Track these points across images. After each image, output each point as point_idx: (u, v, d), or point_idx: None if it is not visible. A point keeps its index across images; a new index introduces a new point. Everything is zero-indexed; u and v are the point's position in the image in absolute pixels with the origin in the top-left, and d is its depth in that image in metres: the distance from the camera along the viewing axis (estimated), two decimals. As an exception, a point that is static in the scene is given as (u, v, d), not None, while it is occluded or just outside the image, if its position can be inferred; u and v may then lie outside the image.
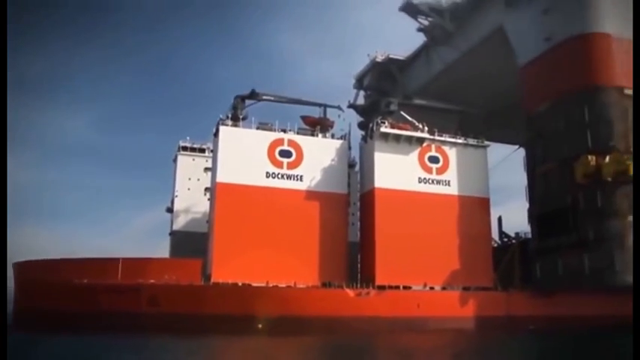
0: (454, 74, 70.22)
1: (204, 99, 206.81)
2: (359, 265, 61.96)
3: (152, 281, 50.40)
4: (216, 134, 59.30)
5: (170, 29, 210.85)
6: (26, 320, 46.50)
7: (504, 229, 70.76)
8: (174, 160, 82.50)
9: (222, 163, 57.61)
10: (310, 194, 59.34)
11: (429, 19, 69.52)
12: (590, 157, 53.35)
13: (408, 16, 69.76)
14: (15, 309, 49.94)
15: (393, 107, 65.74)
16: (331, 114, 65.68)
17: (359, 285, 55.54)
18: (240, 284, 52.50)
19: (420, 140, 62.00)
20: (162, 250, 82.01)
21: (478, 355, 42.22)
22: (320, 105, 65.31)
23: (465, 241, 60.49)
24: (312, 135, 61.83)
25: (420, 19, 70.27)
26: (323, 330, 50.07)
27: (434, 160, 62.96)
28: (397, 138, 61.14)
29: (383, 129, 60.57)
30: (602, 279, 51.92)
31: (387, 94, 74.09)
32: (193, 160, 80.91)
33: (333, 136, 63.23)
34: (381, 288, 55.70)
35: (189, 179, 79.93)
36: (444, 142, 63.46)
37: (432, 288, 57.84)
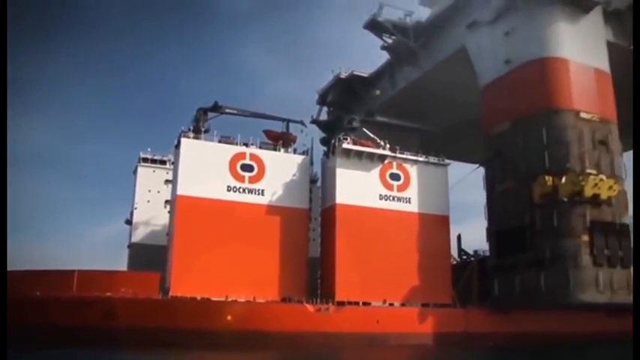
0: (417, 92, 71.27)
1: (166, 110, 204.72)
2: (319, 281, 61.78)
3: (108, 294, 49.41)
4: (177, 146, 58.66)
5: (135, 40, 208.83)
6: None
7: (463, 246, 71.54)
8: (135, 172, 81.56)
9: (183, 176, 57.02)
10: (271, 209, 59.11)
11: (394, 37, 70.39)
12: (547, 177, 54.73)
13: (372, 34, 70.63)
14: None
15: (355, 124, 66.14)
16: (294, 129, 65.72)
17: (319, 300, 55.40)
18: (199, 298, 51.78)
19: (382, 157, 62.36)
20: (120, 262, 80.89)
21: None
22: (283, 120, 65.29)
23: (425, 258, 60.87)
24: (275, 150, 61.71)
25: (384, 37, 71.18)
26: (282, 345, 49.88)
27: (395, 177, 63.32)
28: (359, 155, 61.42)
29: (345, 145, 60.79)
30: (557, 297, 53.06)
31: (350, 111, 74.67)
32: (154, 171, 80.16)
33: (295, 151, 63.23)
34: (341, 304, 55.65)
35: (149, 191, 79.10)
36: (405, 160, 63.92)
37: (391, 304, 58.02)
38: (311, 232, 62.96)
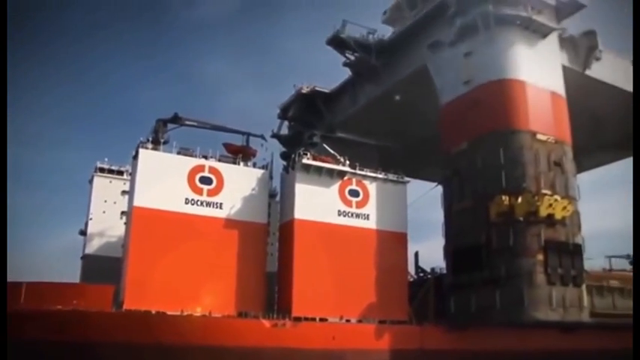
0: (378, 109, 71.90)
1: (124, 120, 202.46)
2: (276, 296, 61.42)
3: (59, 307, 47.99)
4: (135, 157, 57.72)
5: (94, 49, 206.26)
6: None
7: (421, 264, 72.17)
8: (90, 182, 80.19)
9: (140, 187, 56.11)
10: (229, 223, 58.57)
11: (356, 54, 71.02)
12: (503, 197, 55.59)
13: (335, 50, 71.16)
14: None
15: (316, 139, 66.39)
16: (254, 143, 65.44)
17: (275, 316, 55.02)
18: (153, 312, 50.77)
19: (341, 174, 62.48)
20: (72, 274, 79.11)
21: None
22: (243, 133, 64.95)
23: (382, 275, 61.02)
24: (234, 163, 61.28)
25: (346, 54, 71.74)
26: (238, 360, 49.26)
27: (354, 193, 63.48)
28: (319, 170, 61.43)
29: (305, 160, 60.76)
30: (511, 315, 53.77)
31: (311, 126, 74.89)
32: (110, 182, 79.00)
33: (255, 165, 62.88)
34: (298, 319, 55.33)
35: (105, 202, 77.81)
36: (364, 177, 64.15)
37: (348, 320, 57.91)
38: (269, 247, 62.65)
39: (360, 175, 63.78)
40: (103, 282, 55.08)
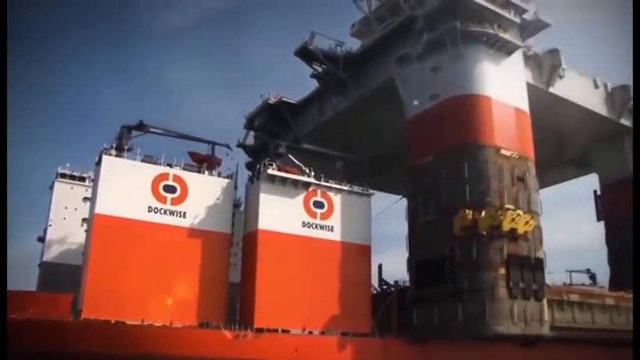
0: (344, 122, 72.24)
1: (88, 126, 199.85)
2: (238, 307, 60.78)
3: (14, 316, 46.39)
4: (98, 163, 56.76)
5: (59, 53, 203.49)
6: None
7: (384, 276, 72.14)
8: (51, 187, 78.69)
9: (103, 194, 55.08)
10: (192, 232, 57.86)
11: (324, 66, 71.17)
12: (467, 211, 56.13)
13: (303, 61, 71.24)
14: None
15: (281, 150, 66.08)
16: (220, 152, 64.93)
17: (237, 327, 54.43)
18: (112, 322, 49.78)
19: (306, 185, 62.30)
20: (29, 282, 77.33)
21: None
22: (209, 142, 64.38)
23: (346, 287, 60.76)
24: (199, 172, 60.68)
25: (314, 65, 71.88)
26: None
27: (319, 205, 63.27)
28: (283, 181, 61.16)
29: (270, 171, 60.41)
30: (473, 328, 54.05)
31: (277, 137, 74.73)
32: (72, 188, 77.60)
33: (219, 175, 62.33)
34: (260, 330, 54.81)
35: (66, 208, 76.36)
36: (329, 188, 64.00)
37: (310, 332, 57.55)
38: (232, 257, 61.96)
39: (324, 186, 63.60)
40: (62, 290, 54.01)
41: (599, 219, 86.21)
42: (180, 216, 57.72)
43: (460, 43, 61.30)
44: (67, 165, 79.39)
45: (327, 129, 74.82)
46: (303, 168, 63.04)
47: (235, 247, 63.27)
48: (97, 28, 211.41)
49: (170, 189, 57.96)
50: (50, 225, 75.68)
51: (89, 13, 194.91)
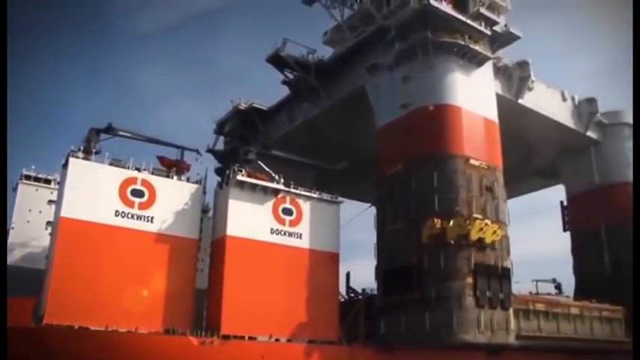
0: (314, 129, 72.26)
1: (55, 127, 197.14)
2: (205, 313, 60.18)
3: None
4: (64, 166, 55.88)
5: (27, 54, 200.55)
6: None
7: (352, 284, 72.07)
8: (15, 189, 77.22)
9: (69, 197, 54.21)
10: (160, 237, 57.17)
11: (295, 73, 71.16)
12: (436, 220, 56.40)
13: (274, 67, 71.14)
14: None
15: (251, 156, 65.74)
16: (189, 157, 64.42)
17: (204, 333, 53.89)
18: (76, 327, 48.92)
19: (275, 191, 62.02)
20: (-11, 286, 75.55)
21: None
22: (178, 147, 63.85)
23: (313, 295, 60.51)
24: (168, 177, 60.11)
25: (286, 72, 71.81)
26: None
27: (287, 212, 63.03)
28: (253, 187, 60.82)
29: (239, 177, 60.04)
30: (440, 336, 54.25)
31: (248, 143, 74.42)
32: (36, 190, 76.13)
33: (188, 180, 61.79)
34: (226, 337, 54.30)
35: (30, 211, 74.87)
36: (298, 195, 63.78)
37: (277, 339, 57.18)
38: (200, 263, 61.41)
39: (294, 193, 63.40)
40: (23, 295, 52.85)
41: (565, 229, 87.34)
42: (148, 221, 57.05)
43: (431, 54, 61.82)
44: (32, 167, 78.08)
45: (298, 136, 74.85)
46: (273, 175, 62.79)
47: (203, 252, 62.74)
48: (67, 30, 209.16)
49: (138, 193, 57.29)
50: (12, 227, 74.13)
51: (60, 14, 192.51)
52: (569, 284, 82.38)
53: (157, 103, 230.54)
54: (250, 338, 55.80)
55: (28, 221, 74.32)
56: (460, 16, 63.13)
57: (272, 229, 61.41)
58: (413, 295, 56.36)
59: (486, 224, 56.88)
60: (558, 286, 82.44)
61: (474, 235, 55.91)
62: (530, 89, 71.65)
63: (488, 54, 65.45)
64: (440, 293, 54.86)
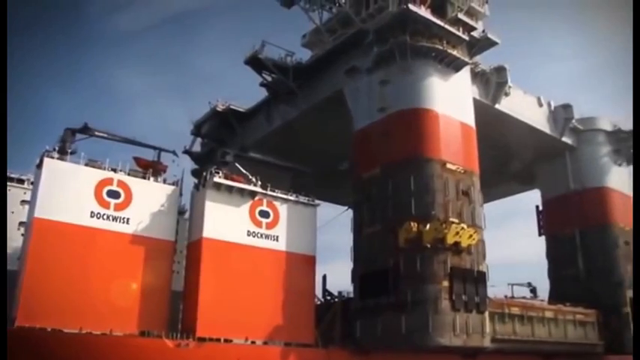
0: (292, 132, 72.26)
1: (30, 127, 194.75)
2: (181, 315, 59.79)
3: None
4: (39, 166, 55.15)
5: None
6: None
7: (328, 287, 72.03)
8: (-14, 189, 76.06)
9: (43, 198, 53.51)
10: (135, 238, 56.69)
11: (273, 75, 71.05)
12: (412, 223, 56.57)
13: (253, 70, 70.99)
14: None
15: (228, 158, 65.62)
16: (166, 158, 63.99)
17: (179, 336, 53.53)
18: (49, 330, 48.33)
19: (252, 194, 61.78)
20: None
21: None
22: (155, 148, 63.37)
23: (289, 297, 60.42)
24: (144, 178, 59.65)
25: (264, 74, 71.67)
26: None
27: (264, 214, 62.84)
28: (230, 189, 60.56)
29: (216, 179, 59.72)
30: (416, 339, 54.44)
31: (225, 144, 74.24)
32: (9, 190, 75.25)
33: (165, 181, 61.40)
34: (202, 340, 53.97)
35: (2, 210, 73.94)
36: (275, 198, 63.61)
37: (253, 342, 56.92)
38: (176, 265, 61.00)
39: (271, 196, 63.24)
40: (-5, 296, 52.17)
41: (540, 234, 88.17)
42: (124, 222, 56.56)
43: (409, 58, 62.08)
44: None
45: (276, 138, 74.85)
46: (250, 177, 62.59)
47: (179, 254, 62.31)
48: (43, 28, 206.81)
49: (114, 194, 56.78)
50: (-18, 227, 72.91)
51: (35, 13, 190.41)
52: (544, 288, 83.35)
53: (134, 103, 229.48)
54: (226, 341, 55.49)
55: (0, 221, 73.22)
56: (438, 21, 63.47)
57: (249, 231, 61.20)
58: (389, 298, 56.48)
59: (462, 228, 57.17)
60: (533, 290, 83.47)
61: (450, 239, 56.13)
62: (507, 94, 72.13)
63: (466, 59, 65.85)
64: (416, 296, 55.02)
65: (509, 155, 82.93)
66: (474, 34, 67.91)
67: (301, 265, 63.26)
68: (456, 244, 56.62)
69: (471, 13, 70.98)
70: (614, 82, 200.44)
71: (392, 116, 62.15)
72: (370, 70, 64.67)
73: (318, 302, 68.27)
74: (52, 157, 55.04)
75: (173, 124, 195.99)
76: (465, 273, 57.08)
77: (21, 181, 75.71)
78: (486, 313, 57.93)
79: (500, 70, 71.41)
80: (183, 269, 62.12)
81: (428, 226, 56.30)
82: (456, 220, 58.01)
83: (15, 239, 68.44)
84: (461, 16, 66.87)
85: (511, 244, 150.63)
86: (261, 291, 58.89)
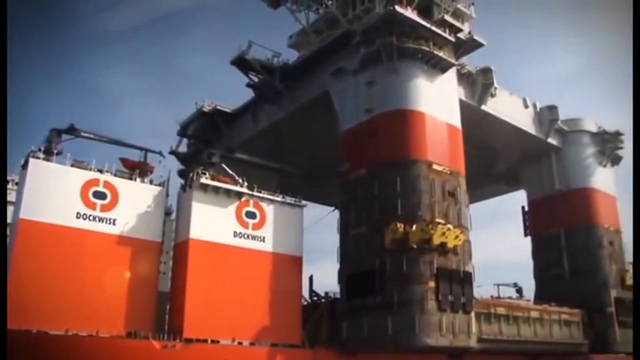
0: (278, 133, 72.23)
1: (15, 126, 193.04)
2: (167, 316, 59.66)
3: None
4: (24, 166, 54.88)
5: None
6: None
7: (315, 288, 72.13)
8: (-30, 189, 75.50)
9: (28, 198, 53.13)
10: (122, 239, 56.47)
11: (260, 76, 71.07)
12: (399, 224, 56.70)
13: (239, 70, 70.97)
14: None
15: (215, 159, 65.47)
16: (152, 159, 63.77)
17: (166, 336, 53.39)
18: (34, 332, 47.98)
19: (239, 194, 61.76)
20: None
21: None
22: (141, 149, 63.10)
23: (276, 298, 60.46)
24: (131, 179, 59.45)
25: (250, 75, 71.63)
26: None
27: (251, 215, 62.81)
28: (216, 190, 60.52)
29: (203, 180, 59.68)
30: (403, 340, 54.59)
31: (211, 145, 74.10)
32: (-7, 190, 74.79)
33: (151, 182, 61.20)
34: (189, 341, 53.84)
35: (-15, 211, 73.41)
36: (262, 199, 63.59)
37: (240, 343, 56.87)
38: (162, 266, 60.87)
39: (257, 197, 63.22)
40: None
41: (526, 234, 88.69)
42: (110, 223, 56.32)
43: (395, 59, 62.29)
44: (-12, 166, 76.34)
45: (262, 139, 74.77)
46: (237, 178, 62.56)
47: (165, 255, 62.19)
48: (28, 28, 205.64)
49: (100, 195, 56.53)
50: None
51: (20, 12, 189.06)
52: (530, 288, 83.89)
53: (120, 103, 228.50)
54: (213, 342, 55.39)
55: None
56: (424, 23, 63.71)
57: (235, 232, 61.17)
58: (375, 298, 56.61)
59: (448, 229, 57.40)
60: (519, 290, 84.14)
61: (437, 240, 56.32)
62: (493, 96, 72.56)
63: (452, 60, 66.13)
64: (402, 297, 55.15)
65: (495, 156, 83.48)
66: (460, 35, 68.27)
67: (288, 265, 63.28)
68: (443, 244, 56.83)
69: (457, 14, 71.57)
70: (603, 82, 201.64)
71: (378, 117, 62.30)
72: (357, 71, 64.83)
73: (305, 303, 68.27)
74: (38, 158, 54.62)
75: (159, 125, 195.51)
76: (451, 273, 57.30)
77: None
78: (472, 314, 58.27)
79: (486, 72, 71.86)
80: (169, 270, 61.96)
81: (414, 227, 56.46)
82: (442, 221, 58.25)
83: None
84: (447, 17, 67.26)
85: (497, 245, 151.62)
86: (247, 292, 58.86)
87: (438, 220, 58.13)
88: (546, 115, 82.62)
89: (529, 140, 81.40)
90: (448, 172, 61.52)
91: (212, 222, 59.98)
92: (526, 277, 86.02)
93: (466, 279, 58.60)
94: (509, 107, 77.11)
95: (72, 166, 56.42)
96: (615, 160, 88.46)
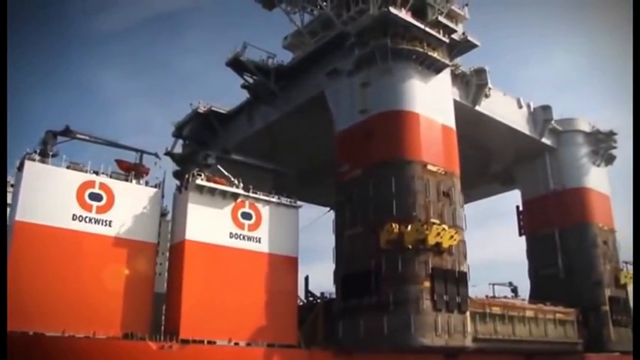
0: (274, 133, 72.40)
1: (11, 129, 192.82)
2: (164, 318, 59.75)
3: None
4: (20, 169, 54.92)
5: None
6: None
7: (311, 288, 72.26)
8: (-37, 190, 75.35)
9: (24, 201, 53.10)
10: (118, 241, 56.52)
11: (255, 77, 71.22)
12: (394, 224, 56.93)
13: (234, 71, 71.12)
14: None
15: (210, 160, 65.55)
16: (148, 161, 63.81)
17: (162, 338, 53.48)
18: (31, 333, 48.09)
19: (235, 196, 61.84)
20: None
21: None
22: (137, 150, 63.11)
23: (272, 299, 60.59)
24: (126, 180, 59.54)
25: (245, 76, 71.79)
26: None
27: (247, 216, 62.96)
28: (212, 191, 60.59)
29: (198, 181, 59.75)
30: (398, 340, 54.79)
31: (207, 146, 74.15)
32: (-11, 193, 74.66)
33: (147, 184, 61.31)
34: (185, 342, 53.93)
35: (-21, 213, 73.34)
36: (257, 200, 63.72)
37: (236, 343, 57.01)
38: (158, 267, 60.94)
39: (253, 197, 63.35)
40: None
41: (520, 234, 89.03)
42: (106, 225, 56.38)
43: (390, 60, 62.47)
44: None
45: (257, 140, 74.94)
46: (232, 179, 62.68)
47: (161, 256, 62.26)
48: (23, 28, 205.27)
49: (96, 197, 56.59)
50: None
51: (15, 12, 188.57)
52: (525, 287, 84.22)
53: (115, 104, 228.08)
54: (209, 342, 55.47)
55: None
56: (419, 24, 63.91)
57: (231, 233, 61.28)
58: (371, 298, 56.80)
59: (443, 229, 57.62)
60: (514, 290, 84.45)
61: (432, 240, 56.54)
62: (487, 96, 72.87)
63: (446, 61, 66.39)
64: (398, 297, 55.36)
65: (489, 156, 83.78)
66: (454, 36, 68.54)
67: (284, 266, 63.42)
68: (438, 244, 57.05)
69: (451, 15, 71.81)
70: (602, 82, 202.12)
71: (373, 118, 62.51)
72: (351, 73, 65.05)
73: (301, 303, 68.50)
74: (34, 160, 54.64)
75: (155, 126, 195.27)
76: (446, 273, 57.55)
77: None
78: (468, 313, 58.43)
79: (479, 72, 72.17)
80: (165, 271, 62.14)
81: (409, 227, 56.68)
82: (437, 221, 58.49)
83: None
84: (441, 18, 67.44)
85: (492, 245, 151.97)
86: (243, 292, 58.96)
87: (432, 220, 58.36)
88: (540, 115, 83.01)
89: (523, 140, 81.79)
90: (443, 173, 61.74)
91: (208, 223, 60.06)
92: (521, 277, 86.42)
93: (461, 279, 58.78)
94: (503, 107, 77.47)
95: (68, 167, 56.53)
96: (609, 160, 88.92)
